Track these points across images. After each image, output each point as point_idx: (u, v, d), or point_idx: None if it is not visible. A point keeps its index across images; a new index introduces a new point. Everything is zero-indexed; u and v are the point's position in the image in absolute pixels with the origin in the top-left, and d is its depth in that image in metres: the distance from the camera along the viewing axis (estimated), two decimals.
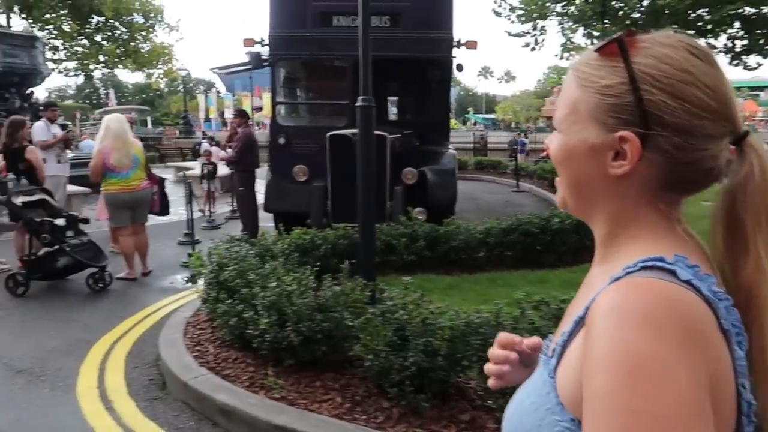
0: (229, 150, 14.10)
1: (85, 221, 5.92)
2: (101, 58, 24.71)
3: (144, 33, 25.15)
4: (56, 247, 5.54)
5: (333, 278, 3.71)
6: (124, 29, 24.67)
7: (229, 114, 75.88)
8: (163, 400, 3.53)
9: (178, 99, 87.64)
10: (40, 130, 8.00)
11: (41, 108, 12.85)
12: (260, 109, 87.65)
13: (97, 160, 5.78)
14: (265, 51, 7.33)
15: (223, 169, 10.13)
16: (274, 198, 7.32)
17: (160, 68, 26.59)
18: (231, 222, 9.15)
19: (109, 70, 26.84)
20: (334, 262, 5.28)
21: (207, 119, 71.81)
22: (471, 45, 7.27)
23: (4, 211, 6.42)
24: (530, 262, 5.89)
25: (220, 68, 8.14)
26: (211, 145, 16.76)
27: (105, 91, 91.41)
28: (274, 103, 7.37)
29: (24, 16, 23.43)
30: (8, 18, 22.39)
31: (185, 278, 6.21)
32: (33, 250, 5.64)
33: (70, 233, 5.75)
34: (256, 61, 7.15)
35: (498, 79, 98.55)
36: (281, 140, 7.35)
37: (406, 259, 5.70)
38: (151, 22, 25.01)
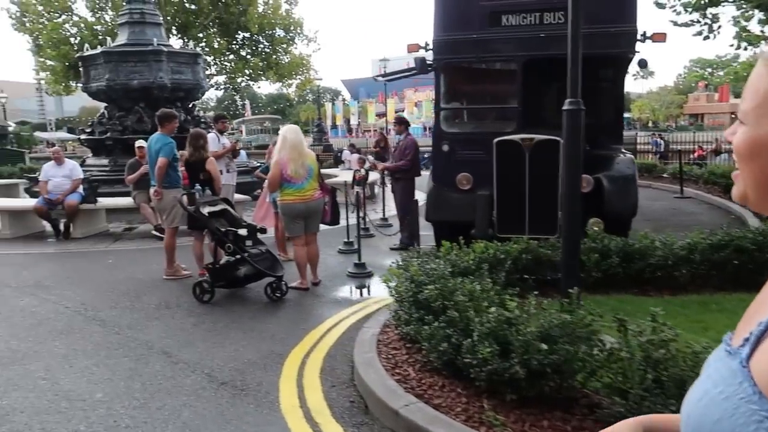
0: (370, 157, 14.30)
1: (263, 231, 6.03)
2: (246, 71, 26.27)
3: (284, 45, 26.36)
4: (238, 256, 5.68)
5: (533, 295, 3.35)
6: (267, 43, 26.04)
7: (354, 121, 77.90)
8: (370, 426, 3.34)
9: (307, 108, 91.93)
10: (212, 141, 8.40)
11: (205, 121, 13.77)
12: (384, 115, 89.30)
13: (275, 171, 5.85)
14: (429, 56, 7.14)
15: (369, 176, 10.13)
16: (437, 207, 7.08)
17: (299, 78, 27.73)
18: (383, 229, 9.08)
19: (252, 82, 28.38)
20: (515, 278, 4.94)
21: (333, 126, 74.38)
22: (659, 38, 6.57)
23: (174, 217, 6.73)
24: (741, 284, 5.11)
25: (383, 75, 8.04)
26: (352, 153, 17.06)
27: (242, 102, 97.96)
28: (438, 109, 7.14)
29: (180, 36, 25.47)
30: (167, 39, 24.49)
31: (358, 288, 6.17)
32: (216, 259, 5.84)
33: (249, 242, 5.89)
34: (422, 66, 6.96)
35: (633, 75, 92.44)
36: (445, 147, 7.10)
37: (595, 276, 5.18)
38: (291, 35, 26.16)
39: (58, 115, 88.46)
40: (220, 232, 5.66)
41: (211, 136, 8.55)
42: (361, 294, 6.11)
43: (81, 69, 13.68)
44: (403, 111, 78.13)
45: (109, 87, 12.76)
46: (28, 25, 24.19)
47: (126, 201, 9.59)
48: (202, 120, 14.08)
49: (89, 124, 14.01)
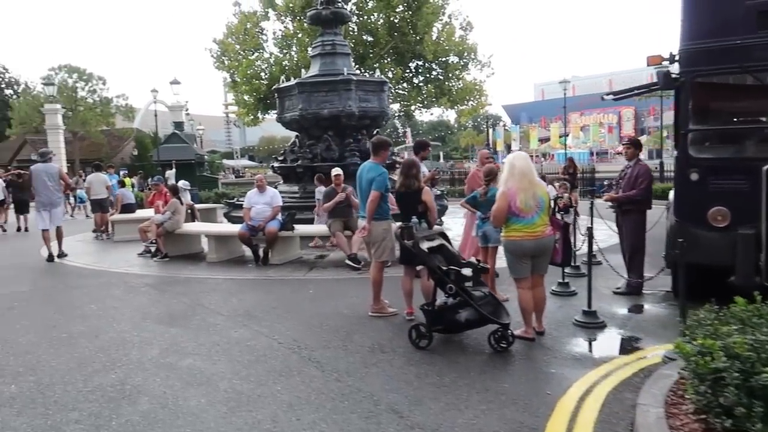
0: (554, 185, 13.14)
1: (485, 270, 5.35)
2: (419, 98, 26.44)
3: (457, 71, 26.15)
4: (460, 298, 5.04)
5: None
6: (440, 70, 26.03)
7: (515, 146, 76.26)
8: None
9: (467, 134, 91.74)
10: None
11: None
12: (547, 140, 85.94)
13: (501, 203, 5.16)
14: (674, 68, 6.05)
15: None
16: (683, 248, 5.90)
17: (470, 104, 27.31)
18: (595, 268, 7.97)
19: (425, 109, 28.53)
20: None
21: (494, 152, 73.07)
22: None
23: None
24: None
25: (615, 93, 7.04)
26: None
27: (403, 129, 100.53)
28: (686, 131, 5.98)
29: (357, 66, 26.38)
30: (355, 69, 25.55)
31: (592, 340, 5.21)
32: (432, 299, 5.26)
33: (469, 283, 5.23)
34: (665, 80, 5.88)
35: None
36: (694, 176, 5.92)
37: None
38: (464, 60, 25.89)
39: (242, 145, 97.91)
40: (442, 271, 5.07)
41: None
42: (601, 350, 5.15)
43: (276, 100, 14.35)
44: (567, 135, 74.60)
45: (302, 116, 13.16)
46: (226, 63, 26.63)
47: (321, 229, 9.56)
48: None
49: (281, 152, 14.63)
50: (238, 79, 26.02)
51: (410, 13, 24.86)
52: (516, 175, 5.17)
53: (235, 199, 14.60)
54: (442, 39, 25.41)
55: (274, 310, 6.61)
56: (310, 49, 14.83)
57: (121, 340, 5.59)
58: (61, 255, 10.85)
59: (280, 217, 9.55)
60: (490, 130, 76.44)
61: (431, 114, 34.03)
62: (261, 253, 9.47)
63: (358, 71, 18.28)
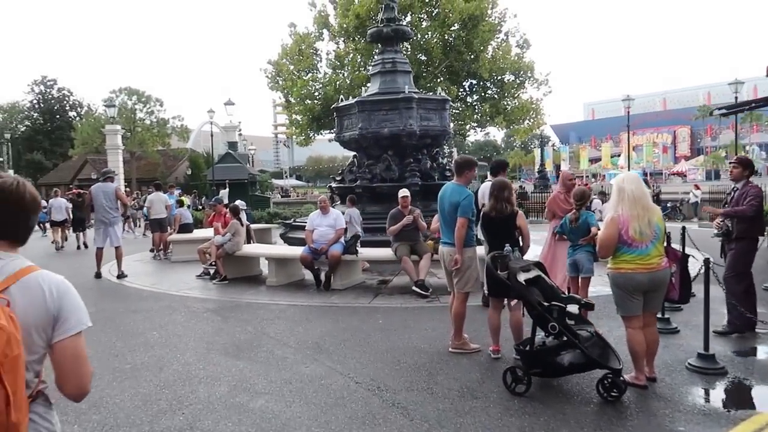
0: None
1: (590, 307, 4.73)
2: (474, 117, 25.91)
3: (513, 90, 25.53)
4: (564, 338, 4.44)
5: None
6: (495, 89, 25.47)
7: (565, 167, 74.64)
8: None
9: (515, 154, 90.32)
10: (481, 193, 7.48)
11: (450, 168, 13.19)
12: (598, 160, 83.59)
13: (610, 231, 4.55)
14: None
15: None
16: None
17: (527, 123, 26.60)
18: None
19: (480, 128, 27.95)
20: None
21: (543, 172, 71.61)
22: None
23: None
24: None
25: (726, 108, 6.34)
26: (604, 202, 15.00)
27: (449, 150, 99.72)
28: None
29: None
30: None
31: (712, 389, 4.50)
32: (532, 339, 4.68)
33: (571, 321, 4.63)
34: None
35: None
36: None
37: None
38: (521, 79, 25.27)
39: (289, 164, 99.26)
40: (543, 307, 4.49)
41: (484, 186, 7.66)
42: (732, 403, 4.45)
43: (335, 119, 14.07)
44: (619, 155, 72.41)
45: (361, 135, 12.82)
46: (280, 83, 26.79)
47: (386, 253, 9.08)
48: (447, 168, 13.54)
49: (339, 172, 14.31)
50: (292, 99, 26.09)
51: (465, 31, 24.47)
52: (627, 200, 4.56)
53: (293, 219, 14.34)
54: (497, 57, 24.88)
55: (344, 343, 6.13)
56: (370, 67, 14.53)
57: (187, 375, 5.20)
58: (121, 276, 10.76)
59: (342, 239, 9.14)
60: (539, 150, 75.10)
61: (483, 132, 33.27)
62: (323, 277, 9.05)
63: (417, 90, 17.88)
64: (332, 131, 28.59)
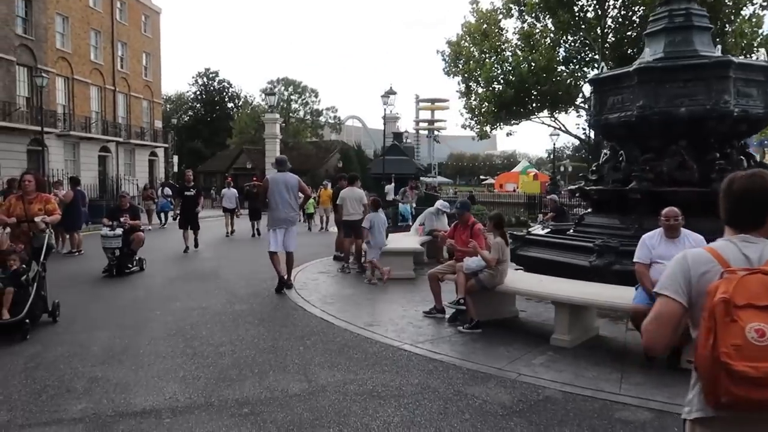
0: None
1: None
2: None
3: None
4: None
5: None
6: None
7: None
8: None
9: None
10: None
11: (762, 162, 8.80)
12: None
13: None
14: None
15: None
16: None
17: None
18: None
19: None
20: None
21: None
22: None
23: None
24: None
25: None
26: None
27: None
28: None
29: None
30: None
31: None
32: None
33: None
34: None
35: None
36: None
37: None
38: None
39: (429, 161, 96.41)
40: None
41: None
42: None
43: (592, 96, 10.16)
44: None
45: (642, 117, 8.80)
46: (461, 66, 23.33)
47: None
48: (756, 163, 9.17)
49: (591, 169, 10.36)
50: (475, 86, 22.50)
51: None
52: None
53: (526, 231, 10.64)
54: (747, 30, 19.40)
55: None
56: (650, 22, 10.27)
57: None
58: (289, 286, 8.76)
59: None
60: None
61: None
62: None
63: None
64: (517, 122, 24.74)
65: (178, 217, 14.25)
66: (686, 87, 8.74)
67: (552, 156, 41.75)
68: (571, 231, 10.14)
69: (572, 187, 11.21)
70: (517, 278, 6.50)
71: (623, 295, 5.69)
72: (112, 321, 6.70)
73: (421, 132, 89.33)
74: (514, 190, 39.24)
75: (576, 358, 5.46)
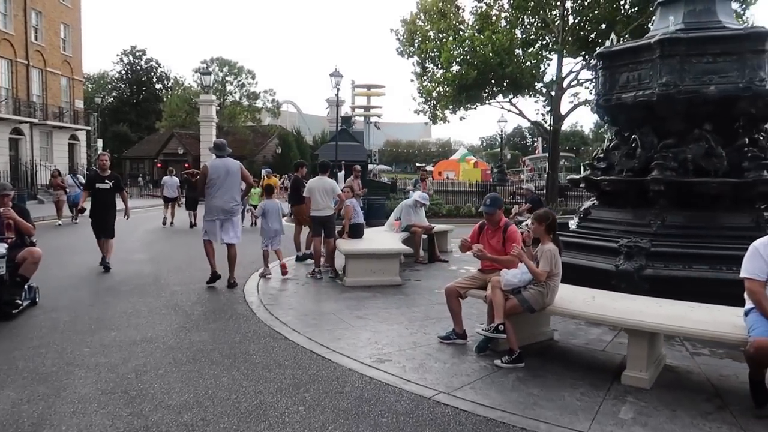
0: None
1: None
2: None
3: None
4: None
5: None
6: None
7: None
8: None
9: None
10: None
11: None
12: None
13: None
14: None
15: None
16: None
17: None
18: None
19: None
20: None
21: None
22: None
23: None
24: None
25: None
26: None
27: (533, 139, 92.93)
28: None
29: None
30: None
31: None
32: None
33: None
34: None
35: None
36: None
37: None
38: None
39: (368, 147, 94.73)
40: None
41: None
42: None
43: (599, 73, 8.89)
44: None
45: (665, 96, 7.65)
46: (416, 46, 21.86)
47: None
48: None
49: (596, 157, 9.12)
50: (431, 66, 21.11)
51: None
52: None
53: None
54: None
55: None
56: None
57: None
58: (231, 285, 8.10)
59: None
60: None
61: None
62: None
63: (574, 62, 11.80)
64: (474, 106, 23.45)
65: (91, 222, 9.67)
66: (716, 62, 7.66)
67: (500, 142, 41.19)
68: (574, 226, 8.94)
69: (574, 176, 9.99)
70: (564, 295, 5.10)
71: (718, 319, 4.41)
72: (18, 373, 4.72)
73: (357, 119, 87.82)
74: (448, 178, 38.56)
75: (666, 404, 4.13)
